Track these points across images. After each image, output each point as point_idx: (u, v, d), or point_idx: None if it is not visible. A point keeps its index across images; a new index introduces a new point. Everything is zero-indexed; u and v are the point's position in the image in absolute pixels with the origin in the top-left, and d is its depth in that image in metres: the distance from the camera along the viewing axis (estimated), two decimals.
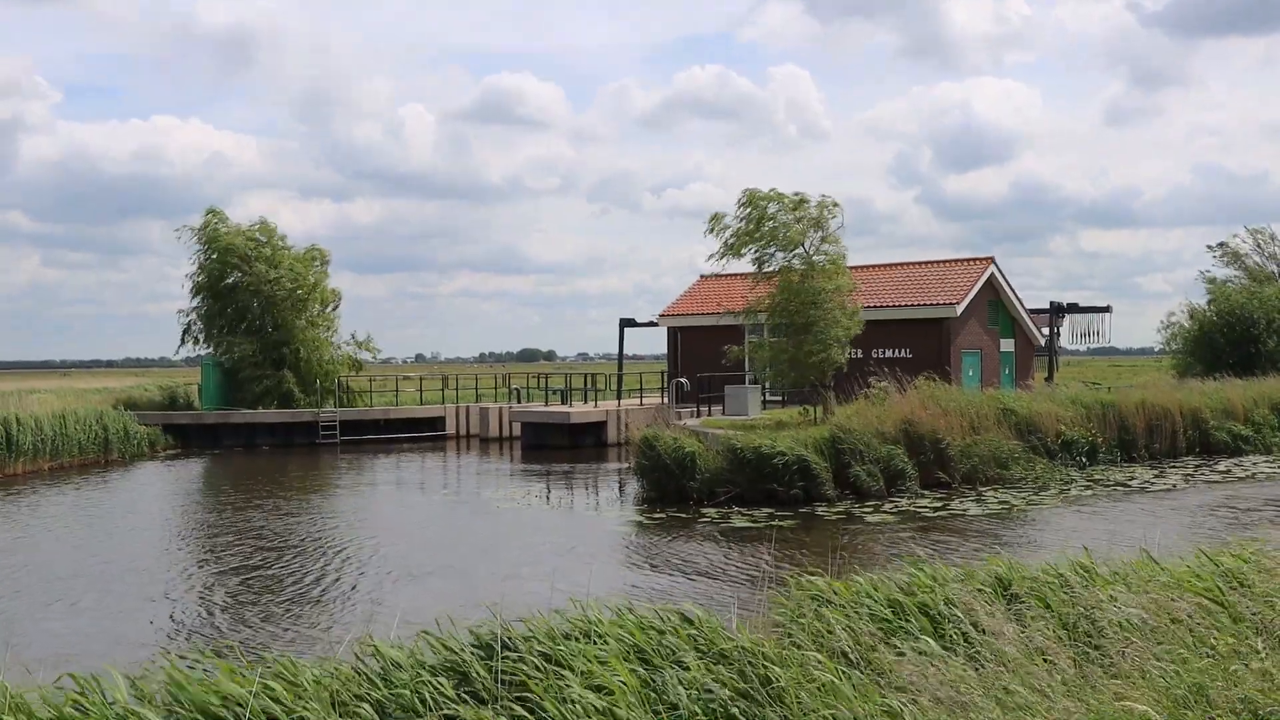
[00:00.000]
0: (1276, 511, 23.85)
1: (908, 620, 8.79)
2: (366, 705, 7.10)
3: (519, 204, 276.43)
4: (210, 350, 49.41)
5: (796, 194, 31.14)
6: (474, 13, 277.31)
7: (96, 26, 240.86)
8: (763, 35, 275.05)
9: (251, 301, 48.11)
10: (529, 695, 7.11)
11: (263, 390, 47.54)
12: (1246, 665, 7.08)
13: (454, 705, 7.12)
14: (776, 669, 7.34)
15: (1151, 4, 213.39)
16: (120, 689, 7.04)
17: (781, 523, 23.00)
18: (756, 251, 31.17)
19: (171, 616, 15.97)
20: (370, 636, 8.05)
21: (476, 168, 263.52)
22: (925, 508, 24.83)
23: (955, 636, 8.30)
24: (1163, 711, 6.31)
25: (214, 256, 48.56)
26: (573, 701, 6.93)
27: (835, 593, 9.56)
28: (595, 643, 7.89)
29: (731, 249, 31.10)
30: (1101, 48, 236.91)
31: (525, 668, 7.53)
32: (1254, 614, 8.35)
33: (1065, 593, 9.39)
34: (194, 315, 49.63)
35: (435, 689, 7.26)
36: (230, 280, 48.53)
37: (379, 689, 7.32)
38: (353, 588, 17.82)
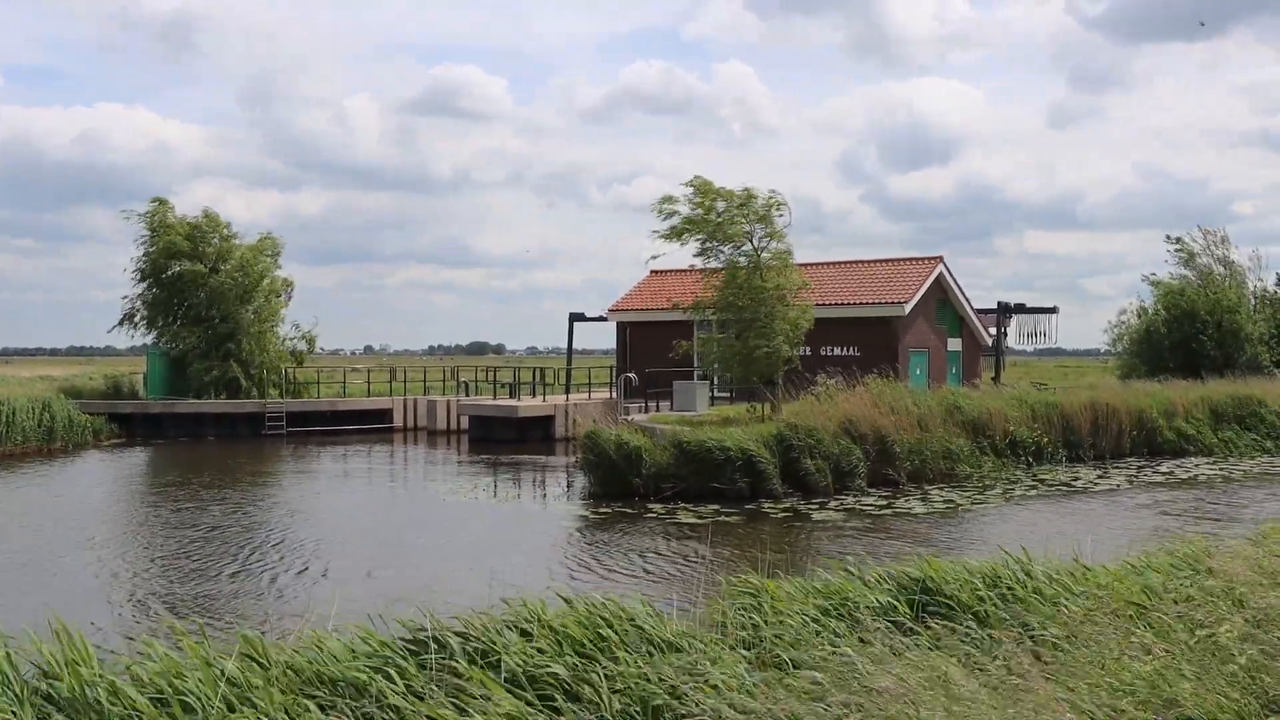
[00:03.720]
0: (1212, 513, 24.13)
1: (834, 620, 8.81)
2: (322, 689, 7.05)
3: (467, 196, 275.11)
4: (155, 339, 48.95)
5: (745, 189, 31.18)
6: (418, 2, 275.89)
7: (39, 9, 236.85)
8: (707, 31, 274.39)
9: (197, 292, 47.60)
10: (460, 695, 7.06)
11: (209, 380, 47.02)
12: (1176, 669, 7.12)
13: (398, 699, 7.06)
14: (706, 663, 7.33)
15: (1091, 8, 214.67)
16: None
17: (727, 519, 23.04)
18: (702, 243, 31.16)
19: (86, 607, 15.77)
20: (316, 630, 7.98)
21: (424, 160, 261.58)
22: (871, 506, 24.93)
23: (878, 638, 8.30)
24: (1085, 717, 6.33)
25: (159, 246, 48.05)
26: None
27: (768, 591, 9.56)
28: (530, 638, 7.84)
29: (677, 233, 31.03)
30: (1044, 49, 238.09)
31: (458, 664, 7.48)
32: (1181, 616, 8.41)
33: (993, 595, 9.44)
34: (138, 302, 49.12)
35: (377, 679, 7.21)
36: (176, 270, 47.96)
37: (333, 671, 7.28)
38: (291, 581, 17.66)
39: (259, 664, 7.39)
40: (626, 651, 7.75)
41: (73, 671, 7.08)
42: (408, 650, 7.78)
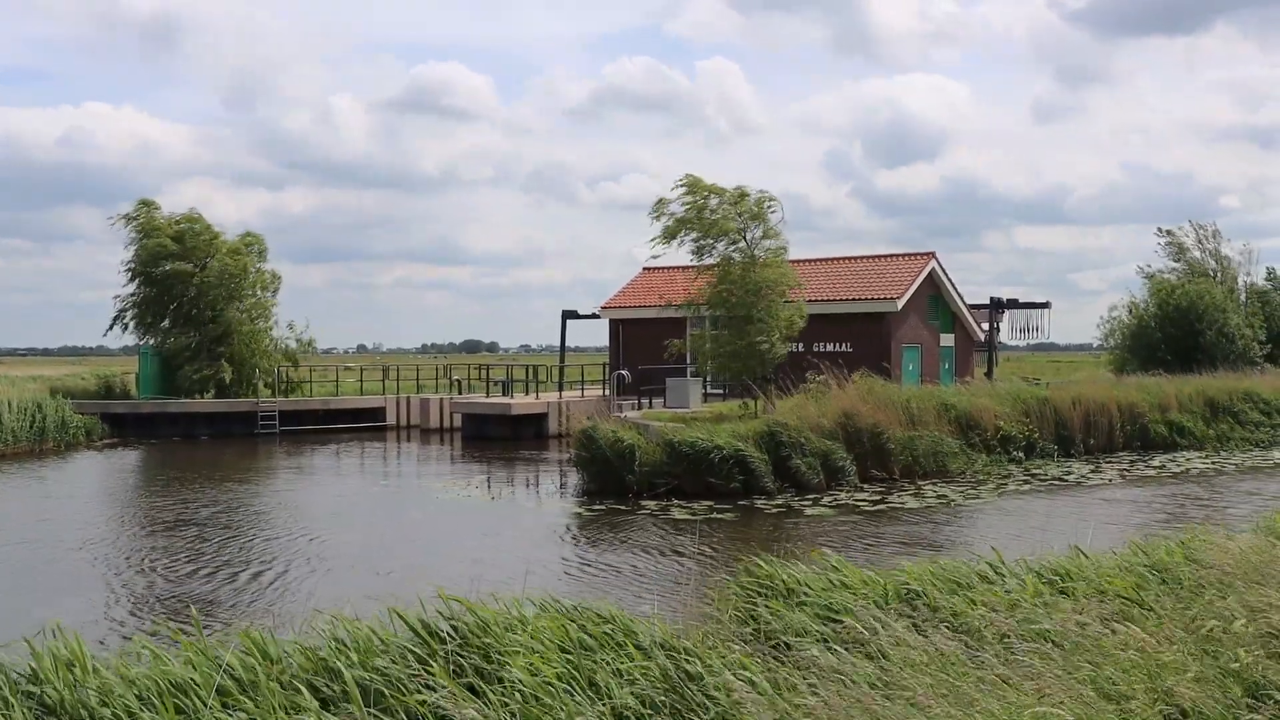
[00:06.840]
0: (1207, 508, 24.18)
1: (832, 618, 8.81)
2: (343, 678, 7.04)
3: (454, 195, 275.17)
4: (147, 339, 48.82)
5: (738, 188, 31.19)
6: (401, 2, 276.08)
7: (24, 10, 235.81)
8: (688, 28, 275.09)
9: (187, 291, 47.53)
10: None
11: (201, 380, 46.96)
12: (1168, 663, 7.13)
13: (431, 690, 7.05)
14: (698, 663, 7.32)
15: (1073, 2, 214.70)
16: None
17: (720, 515, 23.04)
18: (696, 240, 31.13)
19: (93, 602, 15.74)
20: (341, 613, 8.00)
21: (410, 158, 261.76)
22: (864, 501, 24.94)
23: (871, 635, 8.31)
24: (1080, 712, 6.33)
25: (148, 248, 47.92)
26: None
27: (766, 588, 9.56)
28: (530, 635, 7.84)
29: (669, 234, 31.02)
30: (1026, 45, 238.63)
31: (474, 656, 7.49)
32: (1177, 609, 8.42)
33: (985, 592, 9.44)
34: (129, 303, 48.97)
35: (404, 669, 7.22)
36: (164, 270, 47.86)
37: (351, 663, 7.29)
38: (283, 578, 17.61)
39: (258, 658, 7.38)
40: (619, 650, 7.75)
41: (64, 672, 7.06)
42: (406, 649, 7.77)
